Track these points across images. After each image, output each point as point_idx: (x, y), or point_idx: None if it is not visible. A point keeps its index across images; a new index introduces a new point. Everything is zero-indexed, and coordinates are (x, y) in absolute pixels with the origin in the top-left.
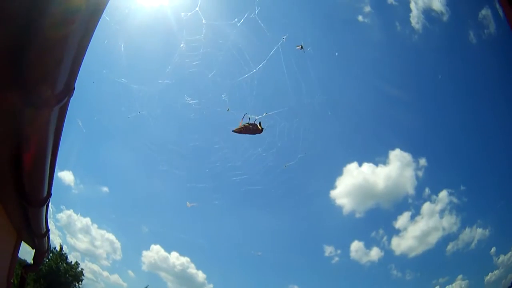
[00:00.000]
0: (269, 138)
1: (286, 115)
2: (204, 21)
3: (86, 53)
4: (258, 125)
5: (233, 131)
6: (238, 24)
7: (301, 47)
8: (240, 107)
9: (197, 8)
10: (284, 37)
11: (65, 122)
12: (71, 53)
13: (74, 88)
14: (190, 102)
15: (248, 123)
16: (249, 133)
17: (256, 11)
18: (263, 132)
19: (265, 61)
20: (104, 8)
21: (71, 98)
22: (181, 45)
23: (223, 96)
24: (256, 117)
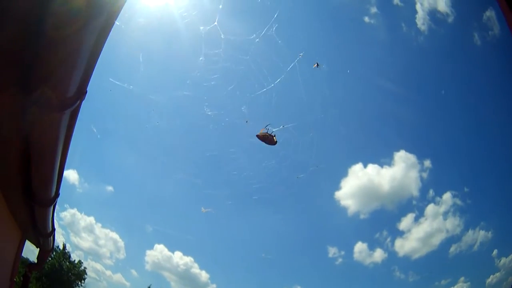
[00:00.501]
0: (283, 151)
1: (300, 128)
2: (222, 36)
3: (103, 60)
4: (274, 138)
5: (256, 135)
6: (257, 40)
7: (317, 65)
8: (258, 119)
9: (216, 23)
10: (301, 54)
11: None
12: (84, 58)
13: (86, 92)
14: (209, 113)
15: (267, 133)
16: (265, 142)
17: (274, 28)
18: (277, 145)
19: (283, 76)
20: (117, 15)
21: (83, 102)
22: (201, 58)
23: (242, 108)
24: (274, 130)
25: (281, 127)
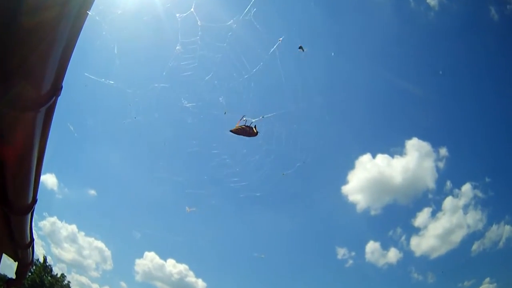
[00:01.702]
0: (266, 145)
1: (285, 117)
2: (199, 23)
3: (77, 54)
4: (254, 128)
5: (230, 130)
6: (234, 26)
7: (301, 49)
8: (237, 109)
9: (192, 9)
10: (281, 38)
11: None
12: (59, 48)
13: (61, 88)
14: (187, 105)
15: (244, 125)
16: (244, 135)
17: (252, 12)
18: (259, 137)
19: (261, 63)
20: (92, 1)
21: (59, 98)
22: (177, 47)
23: (220, 99)
24: (253, 120)
25: (260, 117)
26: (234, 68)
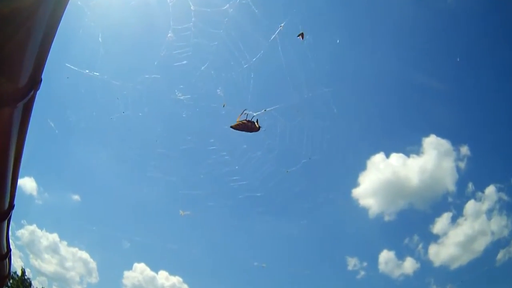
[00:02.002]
0: (268, 140)
1: (289, 110)
2: (193, 8)
3: (57, 43)
4: (256, 123)
5: (230, 126)
6: (231, 11)
7: (302, 36)
8: (237, 102)
9: None
10: (282, 24)
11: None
12: (37, 37)
13: (41, 80)
14: (181, 97)
15: (245, 120)
16: (246, 130)
17: None
18: (261, 132)
19: (262, 52)
20: None
21: (38, 92)
22: (169, 35)
23: (218, 90)
24: (254, 114)
25: (262, 111)
26: (232, 57)
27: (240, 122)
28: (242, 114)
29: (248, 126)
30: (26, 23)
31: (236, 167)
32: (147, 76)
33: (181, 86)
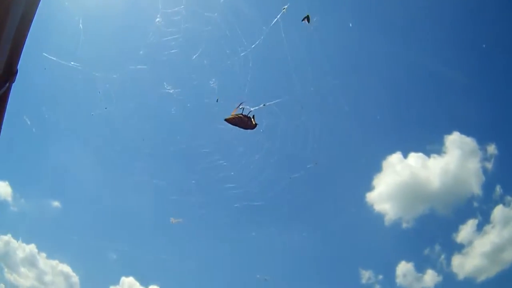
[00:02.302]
0: (268, 141)
1: (292, 106)
2: None
3: (34, 30)
4: (252, 119)
5: (224, 119)
6: None
7: (307, 20)
8: (233, 96)
9: None
10: (285, 6)
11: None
12: (12, 24)
13: (16, 72)
14: (171, 91)
15: (241, 114)
16: (241, 126)
17: None
18: (259, 132)
19: (262, 38)
20: None
21: (13, 85)
22: (157, 19)
23: (211, 82)
24: (252, 109)
25: (261, 105)
26: (228, 43)
27: (236, 116)
28: (238, 107)
29: (243, 121)
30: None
31: (232, 173)
32: (132, 67)
33: (170, 78)
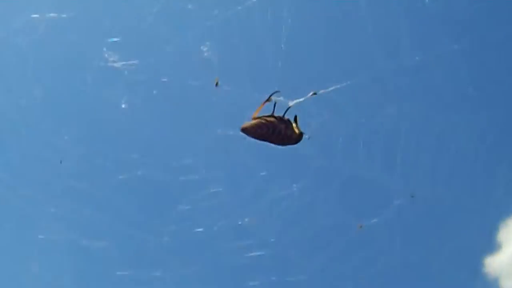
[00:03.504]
0: (317, 158)
1: (362, 96)
2: None
3: None
4: (294, 126)
5: (241, 128)
6: None
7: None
8: (248, 77)
9: None
10: None
11: None
12: None
13: None
14: (117, 64)
15: (272, 116)
16: (273, 140)
17: None
18: (306, 141)
19: None
20: None
21: None
22: None
23: (203, 48)
24: (291, 103)
25: (310, 94)
26: None
27: (263, 119)
28: (265, 102)
29: (279, 129)
30: None
31: (239, 223)
32: (35, 15)
33: (117, 38)
